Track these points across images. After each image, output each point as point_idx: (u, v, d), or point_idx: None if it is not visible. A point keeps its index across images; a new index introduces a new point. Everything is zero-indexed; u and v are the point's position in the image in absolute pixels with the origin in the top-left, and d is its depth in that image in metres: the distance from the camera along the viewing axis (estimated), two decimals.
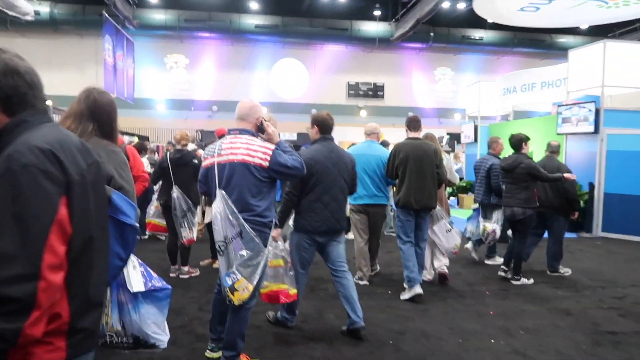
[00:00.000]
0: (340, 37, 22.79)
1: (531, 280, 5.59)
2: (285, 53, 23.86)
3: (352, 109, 24.45)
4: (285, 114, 23.24)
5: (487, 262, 6.62)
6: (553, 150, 6.18)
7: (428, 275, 5.51)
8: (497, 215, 6.08)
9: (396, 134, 22.15)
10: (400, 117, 24.64)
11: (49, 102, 15.64)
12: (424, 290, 4.94)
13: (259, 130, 3.16)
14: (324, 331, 3.99)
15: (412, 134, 5.02)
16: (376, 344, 3.75)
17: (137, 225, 1.86)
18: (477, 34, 22.95)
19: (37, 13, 19.13)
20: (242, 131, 3.16)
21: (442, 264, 5.47)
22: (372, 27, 22.26)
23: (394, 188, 5.79)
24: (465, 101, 14.40)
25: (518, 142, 5.55)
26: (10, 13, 18.11)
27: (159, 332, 2.33)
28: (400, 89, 24.85)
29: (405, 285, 4.92)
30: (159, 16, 20.51)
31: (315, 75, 24.19)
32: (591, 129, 8.78)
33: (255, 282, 2.95)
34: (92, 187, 1.43)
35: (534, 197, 5.45)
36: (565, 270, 6.04)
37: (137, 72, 19.73)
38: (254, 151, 3.02)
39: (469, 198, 12.68)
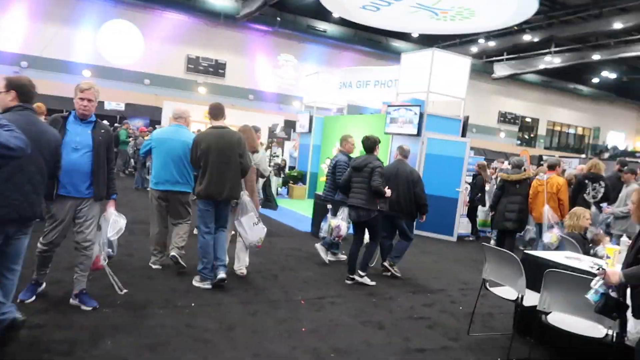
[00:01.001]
0: (183, 5, 20.98)
1: (373, 282, 5.53)
2: (118, 13, 21.18)
3: (191, 84, 22.85)
4: (113, 80, 20.78)
5: (330, 258, 6.40)
6: (405, 154, 6.08)
7: (241, 269, 5.30)
8: (344, 212, 5.77)
9: (236, 116, 21.32)
10: (241, 98, 24.04)
11: None
12: (231, 302, 4.37)
13: None
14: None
15: (215, 122, 4.82)
16: None
17: None
18: (322, 25, 23.12)
19: None
20: None
21: (241, 265, 5.30)
22: (218, 1, 20.91)
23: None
24: (305, 90, 14.17)
25: (373, 144, 5.47)
26: None
27: None
28: (242, 69, 23.93)
29: (197, 280, 4.80)
30: None
31: (151, 42, 21.95)
32: (415, 131, 9.05)
33: None
34: None
35: (380, 199, 5.27)
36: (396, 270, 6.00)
37: None
38: None
39: (299, 188, 12.48)
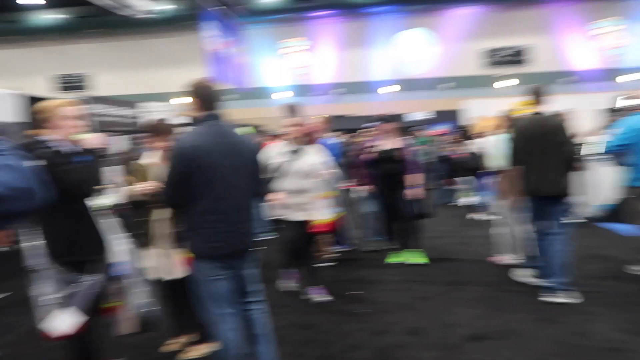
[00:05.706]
0: None
1: None
2: (408, 23, 20.33)
3: (489, 79, 20.04)
4: (413, 91, 19.95)
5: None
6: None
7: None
8: None
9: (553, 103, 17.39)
10: (551, 83, 19.67)
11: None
12: None
13: None
14: None
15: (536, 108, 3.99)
16: None
17: None
18: None
19: (154, 12, 18.37)
20: None
21: None
22: None
23: None
24: None
25: None
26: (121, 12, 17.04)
27: None
28: (548, 51, 19.69)
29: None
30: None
31: (443, 45, 20.29)
32: None
33: None
34: None
35: None
36: None
37: (253, 60, 18.22)
38: None
39: None
